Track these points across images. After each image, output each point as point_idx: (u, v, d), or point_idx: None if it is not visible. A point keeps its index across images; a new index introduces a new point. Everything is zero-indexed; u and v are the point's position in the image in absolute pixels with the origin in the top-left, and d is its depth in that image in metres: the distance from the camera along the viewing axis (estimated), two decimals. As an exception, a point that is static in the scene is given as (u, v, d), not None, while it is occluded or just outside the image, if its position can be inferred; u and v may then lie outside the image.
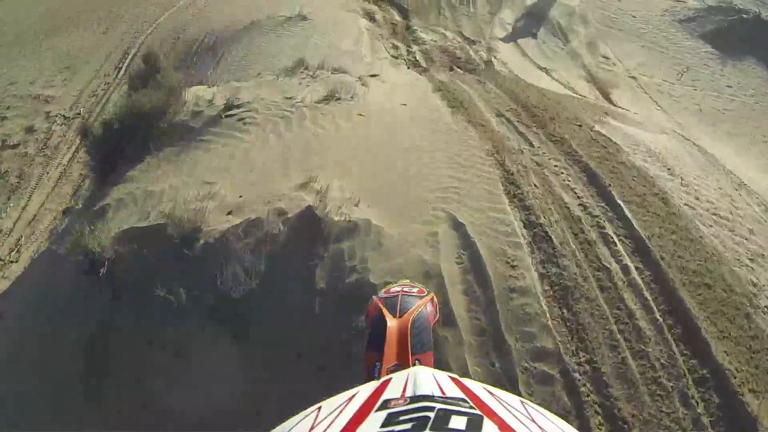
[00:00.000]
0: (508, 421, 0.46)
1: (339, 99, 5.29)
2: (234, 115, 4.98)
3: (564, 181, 4.35)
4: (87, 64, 9.75)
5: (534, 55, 8.87)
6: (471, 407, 0.47)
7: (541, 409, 0.53)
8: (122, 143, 4.62)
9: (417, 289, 1.03)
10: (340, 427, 0.47)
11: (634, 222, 3.87)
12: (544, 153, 4.74)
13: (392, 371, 0.74)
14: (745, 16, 10.56)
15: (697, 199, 4.38)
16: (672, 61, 9.52)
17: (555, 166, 4.55)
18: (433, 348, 0.87)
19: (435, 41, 8.46)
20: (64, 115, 8.50)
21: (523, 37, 9.87)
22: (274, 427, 0.53)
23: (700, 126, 7.55)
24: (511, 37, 9.74)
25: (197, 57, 8.82)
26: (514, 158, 4.63)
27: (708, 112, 8.01)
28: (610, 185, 4.26)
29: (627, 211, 3.96)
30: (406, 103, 5.65)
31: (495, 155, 4.64)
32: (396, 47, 7.98)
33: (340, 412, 0.50)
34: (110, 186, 4.43)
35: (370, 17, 9.38)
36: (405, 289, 1.01)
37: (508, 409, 0.49)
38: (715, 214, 4.22)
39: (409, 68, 6.97)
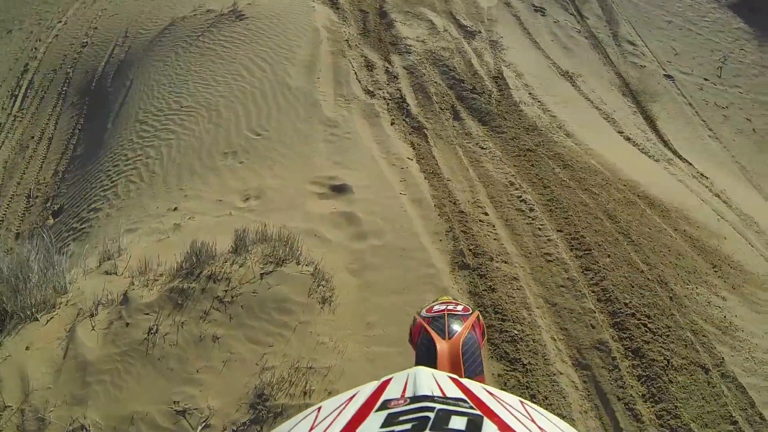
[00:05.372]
0: (508, 422, 0.45)
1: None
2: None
3: None
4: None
5: (552, 51, 6.79)
6: (471, 407, 0.46)
7: (541, 410, 0.52)
8: None
9: (462, 307, 0.95)
10: (340, 427, 0.45)
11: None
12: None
13: None
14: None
15: None
16: (706, 46, 7.74)
17: None
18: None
19: (423, 41, 6.16)
20: None
21: (528, 12, 7.64)
22: None
23: (759, 160, 6.09)
24: (515, 16, 7.49)
25: (95, 97, 6.11)
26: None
27: (763, 131, 6.51)
28: None
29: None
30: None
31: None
32: (370, 66, 5.62)
33: (340, 412, 0.48)
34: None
35: (332, -1, 6.71)
36: (449, 308, 0.93)
37: (507, 410, 0.48)
38: None
39: (393, 124, 4.70)
